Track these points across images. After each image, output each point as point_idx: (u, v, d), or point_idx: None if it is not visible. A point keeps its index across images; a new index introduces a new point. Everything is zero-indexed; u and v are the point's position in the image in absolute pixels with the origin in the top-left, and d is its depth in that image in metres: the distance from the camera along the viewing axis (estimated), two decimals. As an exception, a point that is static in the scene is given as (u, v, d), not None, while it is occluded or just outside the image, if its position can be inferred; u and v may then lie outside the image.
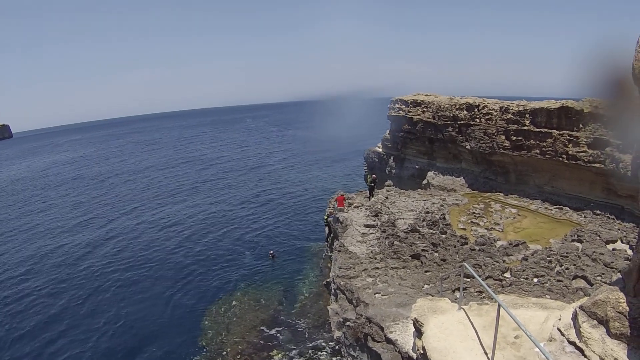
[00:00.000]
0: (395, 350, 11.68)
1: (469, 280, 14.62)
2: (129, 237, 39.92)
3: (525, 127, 25.24)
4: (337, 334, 16.30)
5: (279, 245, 35.36)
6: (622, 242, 17.83)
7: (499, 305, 6.03)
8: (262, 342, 21.62)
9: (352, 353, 14.87)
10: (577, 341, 6.09)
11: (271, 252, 32.71)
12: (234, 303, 25.74)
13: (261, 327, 22.77)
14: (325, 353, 20.38)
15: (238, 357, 20.50)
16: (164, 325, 24.14)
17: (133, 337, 23.20)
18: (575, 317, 6.45)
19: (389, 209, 23.72)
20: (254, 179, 63.53)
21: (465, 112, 29.30)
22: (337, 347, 18.40)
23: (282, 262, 31.80)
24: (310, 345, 21.15)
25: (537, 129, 24.52)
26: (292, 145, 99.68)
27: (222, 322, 23.74)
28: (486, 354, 6.87)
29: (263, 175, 65.49)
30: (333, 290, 17.88)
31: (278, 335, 22.09)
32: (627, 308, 5.61)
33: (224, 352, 20.97)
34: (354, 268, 16.79)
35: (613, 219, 20.99)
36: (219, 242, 36.94)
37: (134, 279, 30.50)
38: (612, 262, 15.54)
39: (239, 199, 51.70)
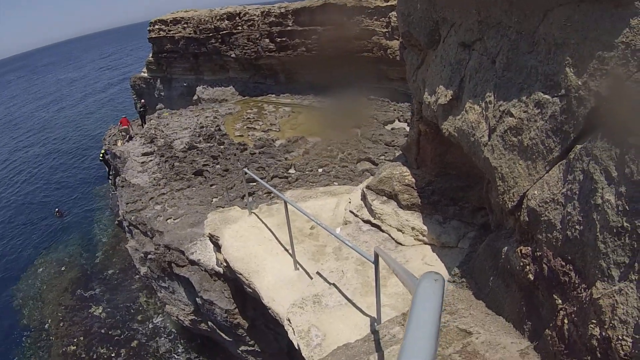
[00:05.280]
0: (202, 270, 11.60)
1: (255, 184, 14.54)
2: None
3: (289, 28, 25.63)
4: (143, 270, 15.68)
5: (63, 198, 30.48)
6: (399, 121, 19.64)
7: (285, 202, 5.94)
8: (78, 301, 19.52)
9: (162, 285, 14.25)
10: (371, 219, 6.14)
11: (57, 209, 28.06)
12: (39, 270, 22.42)
13: (73, 287, 20.49)
14: (139, 292, 18.99)
15: (61, 324, 18.28)
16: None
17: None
18: (364, 197, 6.50)
19: (163, 132, 22.69)
20: (14, 133, 52.40)
21: (226, 21, 28.72)
22: (148, 283, 17.22)
23: (72, 215, 27.75)
24: (123, 290, 19.56)
25: (301, 28, 24.96)
26: (55, 88, 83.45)
27: (33, 295, 20.74)
28: (287, 250, 6.67)
29: (23, 127, 54.36)
30: (126, 228, 17.18)
31: (91, 290, 20.13)
32: (413, 180, 5.78)
33: (47, 325, 18.54)
34: (140, 200, 16.13)
35: (388, 101, 22.77)
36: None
37: None
38: (392, 141, 17.02)
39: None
